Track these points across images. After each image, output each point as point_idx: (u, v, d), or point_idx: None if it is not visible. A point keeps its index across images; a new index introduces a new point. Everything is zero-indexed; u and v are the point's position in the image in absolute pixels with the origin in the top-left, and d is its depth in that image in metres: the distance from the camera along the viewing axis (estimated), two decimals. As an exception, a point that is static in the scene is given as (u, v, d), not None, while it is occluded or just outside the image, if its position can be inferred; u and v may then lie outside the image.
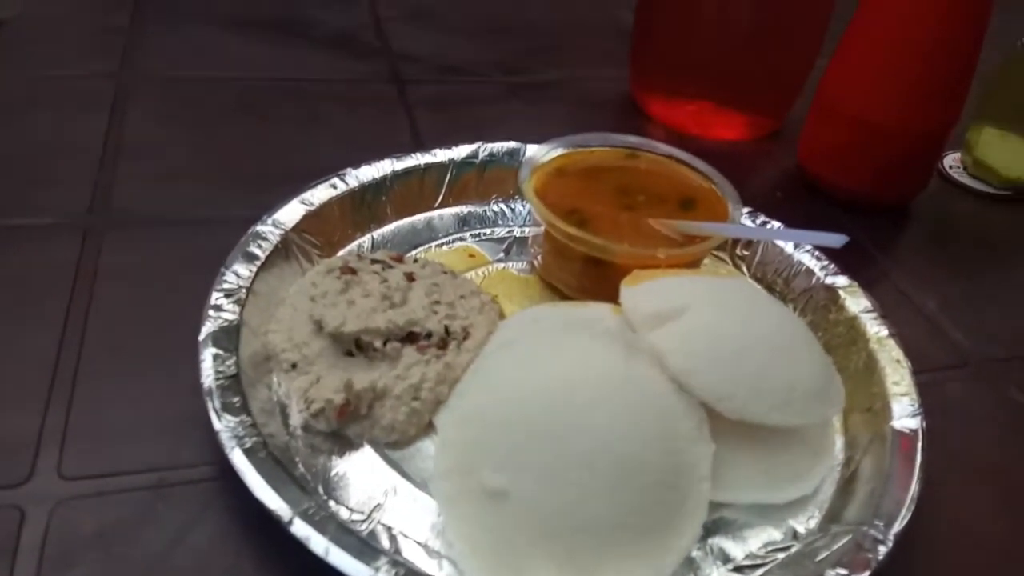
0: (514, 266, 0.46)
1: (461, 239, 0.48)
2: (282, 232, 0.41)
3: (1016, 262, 0.56)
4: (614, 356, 0.33)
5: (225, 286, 0.37)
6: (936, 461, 0.35)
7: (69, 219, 0.45)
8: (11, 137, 0.51)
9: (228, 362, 0.34)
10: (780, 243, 0.47)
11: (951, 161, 0.63)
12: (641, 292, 0.36)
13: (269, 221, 0.42)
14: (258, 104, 0.58)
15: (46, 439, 0.33)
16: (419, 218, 0.48)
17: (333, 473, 0.33)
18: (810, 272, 0.45)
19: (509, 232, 0.49)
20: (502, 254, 0.47)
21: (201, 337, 0.35)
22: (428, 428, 0.35)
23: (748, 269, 0.47)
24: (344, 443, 0.34)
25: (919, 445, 0.35)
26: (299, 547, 0.28)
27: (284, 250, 0.41)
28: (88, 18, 0.66)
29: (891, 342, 0.40)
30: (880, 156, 0.53)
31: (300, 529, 0.28)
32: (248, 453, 0.30)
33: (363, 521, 0.31)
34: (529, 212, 0.49)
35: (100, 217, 0.45)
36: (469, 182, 0.50)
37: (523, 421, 0.31)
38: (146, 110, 0.55)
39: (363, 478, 0.33)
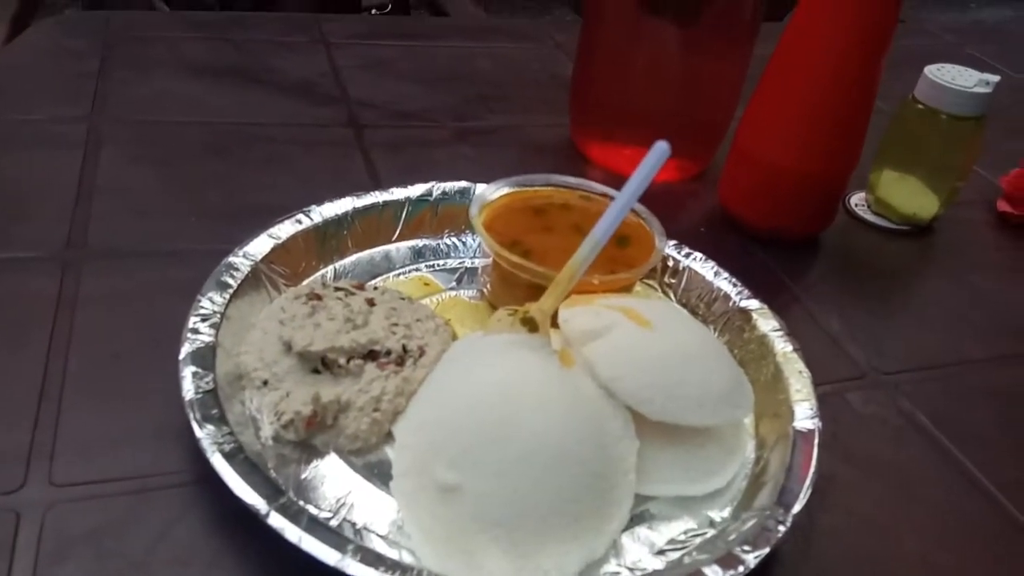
0: (465, 293, 0.51)
1: (417, 269, 0.52)
2: (252, 263, 0.45)
3: (911, 288, 0.63)
4: (550, 366, 0.38)
5: (201, 311, 0.41)
6: (835, 459, 0.41)
7: (48, 252, 0.48)
8: (-12, 176, 0.54)
9: (206, 379, 0.38)
10: (702, 272, 0.52)
11: (857, 200, 0.70)
12: (576, 313, 0.41)
13: (240, 253, 0.46)
14: (224, 147, 0.62)
15: (36, 452, 0.36)
16: (378, 250, 0.53)
17: (303, 477, 0.37)
18: (727, 297, 0.51)
19: (461, 263, 0.53)
20: (454, 283, 0.52)
21: (181, 356, 0.38)
22: (388, 437, 0.39)
23: (675, 295, 0.53)
24: (312, 451, 0.38)
25: (816, 442, 0.40)
26: (274, 541, 0.32)
27: (254, 279, 0.45)
28: (59, 65, 0.70)
29: (795, 356, 0.45)
30: (789, 196, 0.59)
31: (276, 521, 0.32)
32: (227, 457, 0.34)
33: (331, 519, 0.35)
34: (479, 245, 0.54)
35: (78, 250, 0.49)
36: (424, 218, 0.54)
37: (471, 424, 0.36)
38: (117, 152, 0.59)
39: (330, 482, 0.37)
